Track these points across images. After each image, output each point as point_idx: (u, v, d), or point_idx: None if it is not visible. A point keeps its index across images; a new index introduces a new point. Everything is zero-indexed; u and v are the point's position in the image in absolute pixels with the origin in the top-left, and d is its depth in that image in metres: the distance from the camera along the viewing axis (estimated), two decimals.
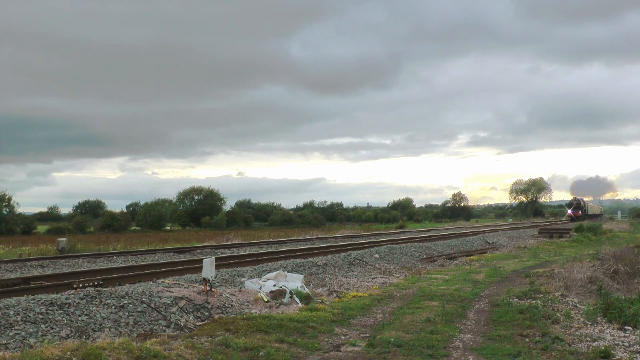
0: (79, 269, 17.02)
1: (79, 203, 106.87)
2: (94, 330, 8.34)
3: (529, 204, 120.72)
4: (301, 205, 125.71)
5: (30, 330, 7.86)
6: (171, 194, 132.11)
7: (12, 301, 8.75)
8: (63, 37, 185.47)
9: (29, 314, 8.21)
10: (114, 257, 21.72)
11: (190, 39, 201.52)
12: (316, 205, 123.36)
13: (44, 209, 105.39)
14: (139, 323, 8.98)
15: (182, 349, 7.41)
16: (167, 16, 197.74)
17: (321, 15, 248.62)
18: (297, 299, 11.52)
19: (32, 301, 8.74)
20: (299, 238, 36.33)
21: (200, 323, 9.51)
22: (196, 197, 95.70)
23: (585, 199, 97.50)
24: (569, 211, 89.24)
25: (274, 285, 11.98)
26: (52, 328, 8.07)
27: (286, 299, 11.43)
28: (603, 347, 8.35)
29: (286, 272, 13.28)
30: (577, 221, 78.73)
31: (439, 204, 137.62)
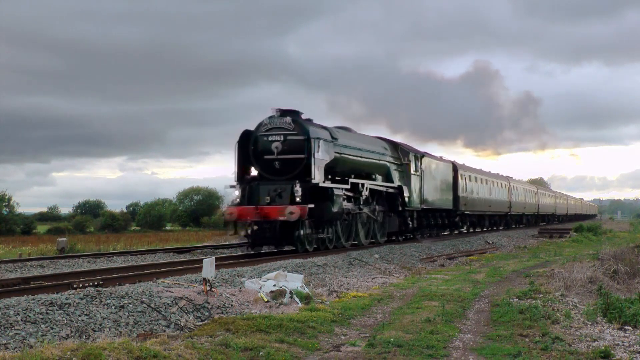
0: (79, 269, 17.01)
1: (78, 203, 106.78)
2: (94, 330, 8.34)
3: None
4: None
5: (30, 330, 7.85)
6: (171, 194, 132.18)
7: (12, 301, 8.74)
8: (60, 36, 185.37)
9: (29, 314, 8.20)
10: (114, 257, 21.70)
11: (186, 38, 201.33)
12: None
13: (44, 209, 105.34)
14: (139, 323, 8.98)
15: (182, 349, 7.41)
16: (164, 15, 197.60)
17: (318, 14, 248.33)
18: (297, 299, 11.52)
19: (32, 301, 8.73)
20: None
21: (200, 323, 9.51)
22: (195, 197, 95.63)
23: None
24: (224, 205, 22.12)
25: (274, 285, 11.98)
26: (52, 328, 8.06)
27: (286, 299, 11.42)
28: (603, 347, 8.34)
29: (286, 272, 13.28)
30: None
31: None
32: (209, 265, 10.93)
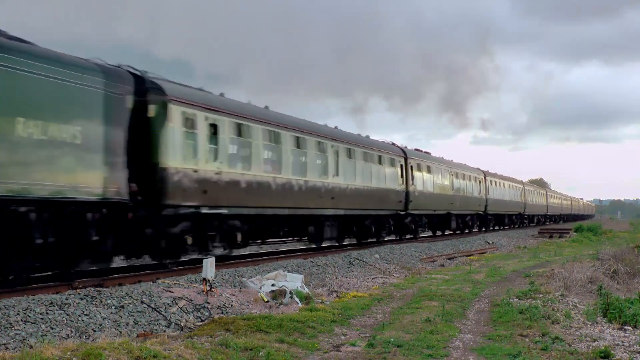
0: (79, 269, 16.94)
1: None
2: (94, 330, 8.34)
3: None
4: None
5: (30, 330, 7.86)
6: None
7: (12, 301, 8.74)
8: (58, 35, 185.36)
9: (29, 314, 8.21)
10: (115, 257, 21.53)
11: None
12: None
13: None
14: (139, 323, 8.99)
15: (182, 349, 7.41)
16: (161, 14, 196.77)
17: None
18: (297, 299, 11.52)
19: (32, 301, 8.74)
20: None
21: (200, 323, 9.52)
22: None
23: None
24: None
25: (274, 285, 11.98)
26: (52, 328, 8.07)
27: (286, 299, 11.43)
28: (603, 347, 8.35)
29: (286, 272, 13.29)
30: None
31: None
32: (209, 266, 10.94)
